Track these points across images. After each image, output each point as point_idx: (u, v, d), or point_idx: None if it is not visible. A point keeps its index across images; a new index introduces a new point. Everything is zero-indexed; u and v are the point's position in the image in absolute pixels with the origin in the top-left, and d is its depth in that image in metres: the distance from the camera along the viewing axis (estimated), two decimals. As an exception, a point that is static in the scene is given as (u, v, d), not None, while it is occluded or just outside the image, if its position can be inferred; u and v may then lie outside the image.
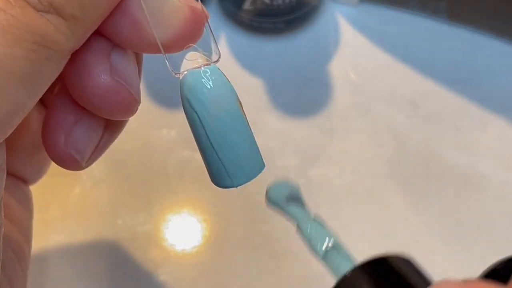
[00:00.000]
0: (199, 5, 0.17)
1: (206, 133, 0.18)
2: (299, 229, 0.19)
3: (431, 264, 0.33)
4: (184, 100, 0.17)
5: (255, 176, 0.17)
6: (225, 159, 0.17)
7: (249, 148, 0.18)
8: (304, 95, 0.39)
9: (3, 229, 0.17)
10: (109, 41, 0.17)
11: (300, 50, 0.40)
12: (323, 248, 0.18)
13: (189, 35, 0.17)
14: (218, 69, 0.17)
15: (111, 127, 0.19)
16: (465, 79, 0.39)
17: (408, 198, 0.35)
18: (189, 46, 0.17)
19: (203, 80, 0.17)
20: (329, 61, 0.40)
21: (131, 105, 0.17)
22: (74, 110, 0.17)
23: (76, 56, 0.16)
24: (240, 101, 0.18)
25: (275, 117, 0.38)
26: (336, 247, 0.18)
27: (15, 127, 0.15)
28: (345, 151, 0.37)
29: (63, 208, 0.35)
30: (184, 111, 0.18)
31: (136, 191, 0.36)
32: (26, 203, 0.23)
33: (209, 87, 0.17)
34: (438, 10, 0.40)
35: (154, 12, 0.16)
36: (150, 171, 0.36)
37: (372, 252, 0.33)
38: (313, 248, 0.18)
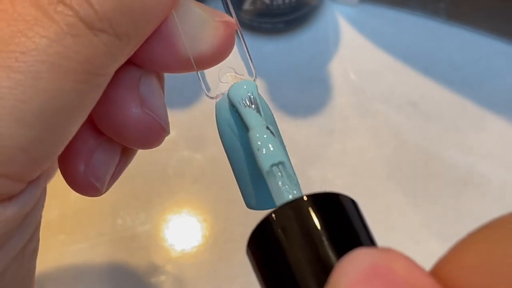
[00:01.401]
0: (231, 18, 0.17)
1: (244, 154, 0.17)
2: (251, 136, 0.16)
3: (431, 264, 0.33)
4: (222, 122, 0.17)
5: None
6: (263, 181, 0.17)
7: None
8: (304, 95, 0.39)
9: (38, 246, 0.17)
10: (137, 68, 0.16)
11: (300, 50, 0.40)
12: (271, 162, 0.15)
13: (224, 51, 0.17)
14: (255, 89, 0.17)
15: (128, 151, 0.19)
16: (465, 79, 0.39)
17: (408, 198, 0.35)
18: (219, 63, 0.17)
19: (241, 101, 0.17)
20: (329, 61, 0.40)
21: (160, 137, 0.17)
22: (93, 136, 0.17)
23: (105, 88, 0.16)
24: (274, 118, 0.17)
25: (275, 117, 0.38)
26: (286, 168, 0.15)
27: (60, 153, 0.15)
28: (345, 151, 0.36)
29: (63, 208, 0.35)
30: (220, 132, 0.17)
31: (136, 191, 0.36)
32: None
33: (246, 107, 0.17)
34: (438, 10, 0.40)
35: (188, 31, 0.16)
36: (150, 171, 0.36)
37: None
38: (259, 160, 0.15)
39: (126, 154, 0.19)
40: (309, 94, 0.39)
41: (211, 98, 0.17)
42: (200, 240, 0.34)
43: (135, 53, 0.16)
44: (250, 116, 0.17)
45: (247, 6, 0.39)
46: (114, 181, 0.19)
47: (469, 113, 0.37)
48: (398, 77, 0.39)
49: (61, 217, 0.35)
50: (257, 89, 0.17)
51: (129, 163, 0.19)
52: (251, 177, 0.17)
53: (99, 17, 0.14)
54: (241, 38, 0.17)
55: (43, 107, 0.13)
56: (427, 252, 0.33)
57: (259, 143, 0.16)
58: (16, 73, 0.13)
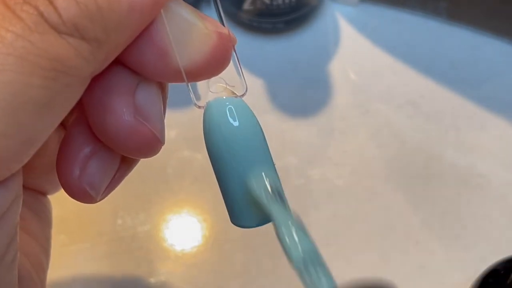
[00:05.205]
0: (225, 30, 0.16)
1: (228, 170, 0.17)
2: (279, 232, 0.16)
3: (431, 264, 0.33)
4: (207, 134, 0.17)
5: None
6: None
7: None
8: (304, 95, 0.39)
9: (18, 256, 0.16)
10: (135, 75, 0.16)
11: (300, 50, 0.40)
12: (301, 261, 0.16)
13: (217, 63, 0.16)
14: (244, 103, 0.17)
15: (128, 160, 0.18)
16: (465, 79, 0.39)
17: (408, 198, 0.35)
18: (214, 76, 0.16)
19: (227, 114, 0.16)
20: (329, 61, 0.40)
21: (154, 147, 0.17)
22: (91, 141, 0.17)
23: (99, 93, 0.15)
24: (264, 135, 0.17)
25: (275, 117, 0.38)
26: (317, 260, 0.16)
27: (32, 155, 0.14)
28: (345, 151, 0.36)
29: (63, 208, 0.35)
30: (206, 145, 0.17)
31: (136, 191, 0.36)
32: (44, 214, 0.22)
33: (233, 122, 0.16)
34: (438, 10, 0.40)
35: (180, 40, 0.15)
36: (150, 171, 0.36)
37: (371, 251, 0.33)
38: (290, 256, 0.16)
39: (126, 163, 0.18)
40: (309, 94, 0.39)
41: (199, 107, 0.17)
42: (200, 240, 0.34)
43: (126, 58, 0.15)
44: (276, 212, 0.16)
45: (247, 6, 0.39)
46: (112, 189, 0.18)
47: (469, 113, 0.37)
48: (398, 77, 0.39)
49: (61, 217, 0.35)
50: (277, 174, 0.17)
51: (129, 172, 0.19)
52: (236, 195, 0.17)
53: (63, 21, 0.13)
54: (233, 50, 0.17)
55: (8, 100, 0.13)
56: (427, 252, 0.33)
57: (288, 241, 0.16)
58: None
